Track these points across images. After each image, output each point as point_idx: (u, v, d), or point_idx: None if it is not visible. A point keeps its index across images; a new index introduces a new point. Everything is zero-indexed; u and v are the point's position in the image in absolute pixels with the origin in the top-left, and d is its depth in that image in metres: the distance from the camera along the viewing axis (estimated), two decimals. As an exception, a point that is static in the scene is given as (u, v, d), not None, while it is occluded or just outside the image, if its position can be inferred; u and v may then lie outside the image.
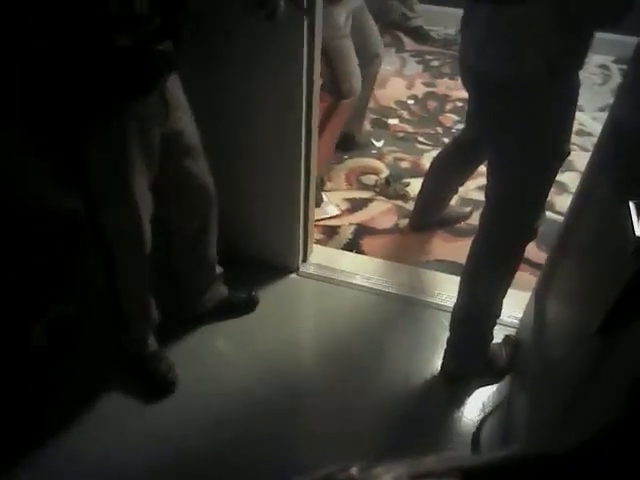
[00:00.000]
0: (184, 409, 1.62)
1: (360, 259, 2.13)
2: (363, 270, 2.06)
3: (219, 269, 1.80)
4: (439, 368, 1.72)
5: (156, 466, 1.48)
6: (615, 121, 1.22)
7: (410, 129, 3.00)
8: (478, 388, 1.69)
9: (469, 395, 1.68)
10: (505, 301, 1.84)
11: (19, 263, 1.97)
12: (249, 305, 1.92)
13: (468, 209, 2.33)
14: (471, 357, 1.67)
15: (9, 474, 1.46)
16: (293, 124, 1.72)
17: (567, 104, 1.29)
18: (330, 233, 2.25)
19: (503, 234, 1.48)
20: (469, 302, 1.61)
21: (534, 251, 2.20)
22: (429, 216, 2.24)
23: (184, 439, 1.55)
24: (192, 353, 1.77)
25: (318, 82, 1.72)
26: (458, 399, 1.67)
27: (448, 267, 2.08)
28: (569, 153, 1.38)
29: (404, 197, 2.44)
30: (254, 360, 1.76)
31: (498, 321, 1.80)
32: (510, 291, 1.87)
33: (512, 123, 1.30)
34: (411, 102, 3.28)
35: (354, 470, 0.54)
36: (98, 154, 1.25)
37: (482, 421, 1.05)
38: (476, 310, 1.61)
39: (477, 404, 1.65)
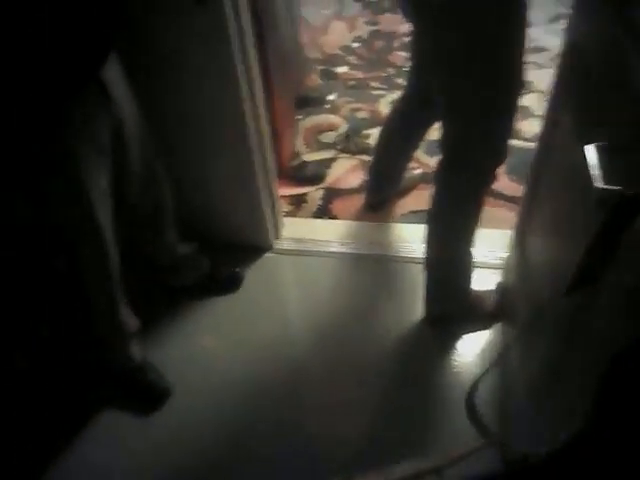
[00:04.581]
0: (184, 414, 1.57)
1: (333, 225, 2.05)
2: (337, 236, 1.99)
3: (188, 247, 1.75)
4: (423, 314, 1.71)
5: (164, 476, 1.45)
6: (569, 45, 1.14)
7: (361, 75, 2.87)
8: (466, 334, 1.67)
9: (458, 340, 1.67)
10: (490, 242, 1.81)
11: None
12: (234, 281, 1.87)
13: (418, 171, 2.18)
14: (448, 299, 1.63)
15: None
16: (232, 99, 1.59)
17: (518, 22, 1.17)
18: (298, 202, 2.17)
19: (463, 184, 1.40)
20: (435, 251, 1.56)
21: (506, 183, 2.15)
22: (385, 193, 2.07)
23: (187, 444, 1.50)
24: (180, 356, 1.70)
25: (253, 52, 1.59)
26: (448, 345, 1.66)
27: (424, 217, 2.00)
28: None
29: (367, 150, 2.33)
30: (245, 351, 1.70)
31: (486, 264, 1.78)
32: (493, 232, 1.84)
33: (464, 51, 1.18)
34: (356, 45, 3.14)
35: None
36: (49, 157, 1.16)
37: (475, 383, 1.02)
38: (443, 257, 1.57)
39: (469, 351, 1.64)
